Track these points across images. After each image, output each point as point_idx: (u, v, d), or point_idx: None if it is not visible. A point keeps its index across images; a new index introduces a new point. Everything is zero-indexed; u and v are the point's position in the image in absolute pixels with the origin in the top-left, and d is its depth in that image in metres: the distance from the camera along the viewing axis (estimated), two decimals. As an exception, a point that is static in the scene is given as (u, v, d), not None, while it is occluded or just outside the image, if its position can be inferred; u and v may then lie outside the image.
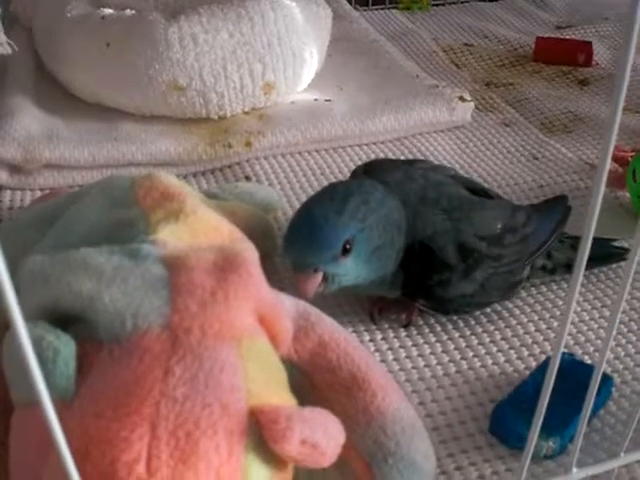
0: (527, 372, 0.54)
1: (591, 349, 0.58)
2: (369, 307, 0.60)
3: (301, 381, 0.44)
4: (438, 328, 0.59)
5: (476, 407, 0.52)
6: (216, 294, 0.39)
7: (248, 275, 0.40)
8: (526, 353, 0.57)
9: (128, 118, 0.81)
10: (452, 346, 0.58)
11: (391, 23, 1.20)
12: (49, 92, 0.85)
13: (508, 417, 0.49)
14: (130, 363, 0.36)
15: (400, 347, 0.57)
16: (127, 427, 0.33)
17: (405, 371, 0.55)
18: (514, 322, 0.60)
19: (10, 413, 0.39)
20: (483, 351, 0.57)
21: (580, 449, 0.39)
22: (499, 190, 0.76)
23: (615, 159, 0.77)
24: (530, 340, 0.58)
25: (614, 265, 0.66)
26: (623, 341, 0.58)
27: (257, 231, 0.57)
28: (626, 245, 0.66)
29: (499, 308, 0.61)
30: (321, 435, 0.36)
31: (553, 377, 0.34)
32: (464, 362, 0.56)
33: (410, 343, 0.58)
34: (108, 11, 0.84)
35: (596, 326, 0.60)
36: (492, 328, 0.59)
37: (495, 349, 0.57)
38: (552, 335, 0.59)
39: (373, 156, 0.83)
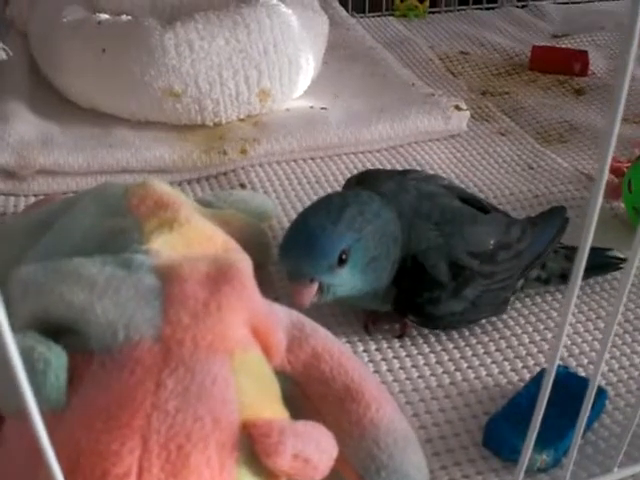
0: (521, 384, 0.54)
1: (585, 361, 0.57)
2: (364, 318, 0.60)
3: (294, 392, 0.44)
4: (432, 339, 0.59)
5: (470, 419, 0.52)
6: (209, 306, 0.39)
7: (241, 287, 0.40)
8: (520, 365, 0.57)
9: (123, 124, 0.81)
10: (446, 357, 0.57)
11: (388, 30, 1.20)
12: (44, 97, 0.85)
13: (502, 429, 0.49)
14: (122, 375, 0.36)
15: (394, 358, 0.57)
16: (118, 440, 0.33)
17: (399, 382, 0.55)
18: (508, 333, 0.60)
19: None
20: (477, 363, 0.57)
21: (574, 462, 0.39)
22: (494, 200, 0.76)
23: (611, 170, 0.77)
24: (524, 352, 0.58)
25: (609, 276, 0.66)
26: (617, 353, 0.58)
27: (252, 241, 0.56)
28: (620, 255, 0.65)
29: (493, 319, 0.61)
30: (313, 449, 0.36)
31: (548, 390, 0.34)
32: (458, 374, 0.56)
33: (404, 354, 0.57)
34: (104, 16, 0.84)
35: (590, 338, 0.60)
36: (486, 339, 0.59)
37: (489, 361, 0.57)
38: (546, 347, 0.58)
39: (369, 164, 0.83)
